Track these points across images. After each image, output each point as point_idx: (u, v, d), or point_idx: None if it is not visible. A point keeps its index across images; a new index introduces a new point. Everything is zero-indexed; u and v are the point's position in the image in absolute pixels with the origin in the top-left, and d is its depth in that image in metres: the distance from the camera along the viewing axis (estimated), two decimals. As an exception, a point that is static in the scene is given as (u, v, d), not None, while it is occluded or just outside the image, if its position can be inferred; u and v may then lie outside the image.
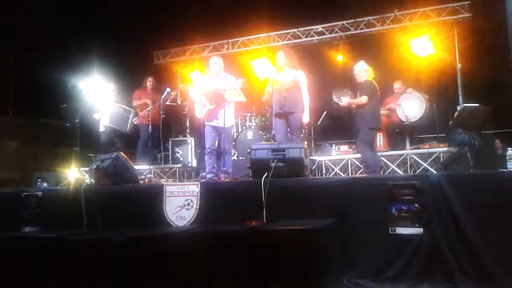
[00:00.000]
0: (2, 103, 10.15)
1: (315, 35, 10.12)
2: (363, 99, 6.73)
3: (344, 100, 7.08)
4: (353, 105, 6.91)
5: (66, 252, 4.61)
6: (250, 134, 8.83)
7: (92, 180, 6.31)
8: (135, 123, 8.42)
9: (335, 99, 7.30)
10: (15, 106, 10.28)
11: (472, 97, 7.99)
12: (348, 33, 9.81)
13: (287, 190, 4.99)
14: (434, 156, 7.40)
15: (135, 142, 8.74)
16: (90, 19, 9.54)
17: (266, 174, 5.01)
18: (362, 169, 7.40)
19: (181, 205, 5.33)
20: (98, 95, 8.25)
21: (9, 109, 10.34)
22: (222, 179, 6.52)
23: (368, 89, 6.80)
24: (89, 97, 8.24)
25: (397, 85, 8.64)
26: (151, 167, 8.23)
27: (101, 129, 8.14)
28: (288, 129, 6.75)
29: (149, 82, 9.10)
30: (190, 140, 9.31)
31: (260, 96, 7.30)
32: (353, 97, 7.08)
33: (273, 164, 5.17)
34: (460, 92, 8.73)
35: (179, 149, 9.31)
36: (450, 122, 6.98)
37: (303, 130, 8.55)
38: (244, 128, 9.16)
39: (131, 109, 8.34)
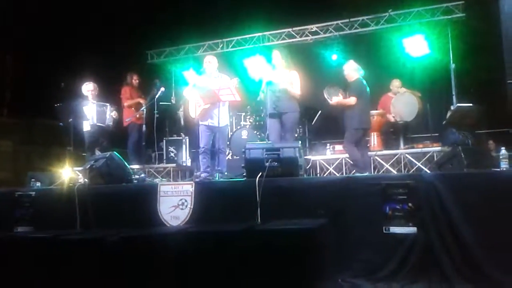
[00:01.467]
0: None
1: (309, 35, 10.13)
2: (352, 100, 6.77)
3: (334, 99, 7.11)
4: (343, 105, 6.94)
5: (59, 252, 4.59)
6: (244, 134, 8.83)
7: (86, 180, 6.29)
8: (114, 117, 8.35)
9: (326, 96, 7.32)
10: (10, 106, 10.24)
11: (466, 97, 8.02)
12: (343, 32, 9.83)
13: (281, 189, 4.98)
14: (427, 155, 7.43)
15: (124, 141, 8.70)
16: (84, 19, 9.51)
17: (260, 173, 4.99)
18: (351, 169, 7.41)
19: (175, 204, 5.31)
20: (83, 94, 8.24)
21: (4, 109, 10.30)
22: (217, 179, 6.51)
23: (356, 90, 6.83)
24: (82, 97, 8.22)
25: (396, 83, 8.64)
26: (145, 166, 8.21)
27: (86, 128, 8.09)
28: (282, 129, 6.77)
29: (135, 80, 9.05)
30: (185, 140, 9.30)
31: (255, 95, 7.31)
32: (344, 97, 7.10)
33: (267, 164, 5.16)
34: (453, 92, 8.77)
35: (173, 148, 9.29)
36: (444, 122, 7.00)
37: (297, 130, 8.57)
38: (238, 127, 9.15)
39: (107, 104, 8.26)
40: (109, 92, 8.86)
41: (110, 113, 8.18)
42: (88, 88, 8.25)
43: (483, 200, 4.29)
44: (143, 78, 9.32)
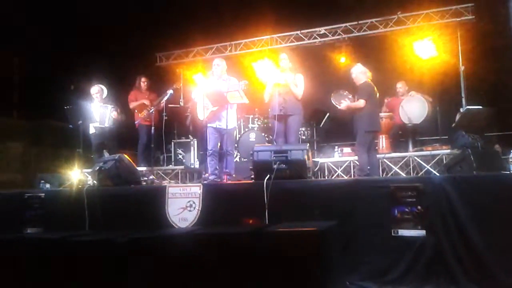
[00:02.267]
0: (6, 105, 10.19)
1: (318, 37, 10.11)
2: (361, 103, 6.74)
3: (342, 104, 7.09)
4: (352, 109, 6.93)
5: (68, 253, 4.61)
6: (252, 136, 8.84)
7: (95, 182, 6.32)
8: (114, 118, 8.36)
9: (334, 102, 7.30)
10: (19, 108, 10.32)
11: (475, 100, 7.98)
12: (351, 35, 9.79)
13: (289, 192, 4.98)
14: (437, 158, 7.40)
15: (135, 143, 8.74)
16: (93, 21, 9.56)
17: (268, 176, 5.00)
18: (356, 173, 7.38)
19: (183, 206, 5.33)
20: (90, 97, 8.28)
21: (13, 111, 10.38)
22: (225, 181, 6.52)
23: (365, 93, 6.80)
24: (91, 99, 8.27)
25: (399, 85, 8.64)
26: (154, 168, 8.22)
27: (91, 130, 8.14)
28: (287, 131, 6.79)
29: (143, 82, 9.07)
30: (193, 142, 9.32)
31: (263, 98, 7.32)
32: (352, 100, 7.08)
33: (275, 166, 5.17)
34: (463, 95, 8.71)
35: (181, 150, 9.31)
36: (453, 125, 6.97)
37: (306, 132, 8.57)
38: (246, 130, 9.16)
39: (107, 105, 8.25)
40: (119, 94, 8.89)
41: (110, 114, 8.20)
42: (94, 90, 8.29)
43: (492, 203, 4.27)
44: (152, 80, 9.35)
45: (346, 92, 7.31)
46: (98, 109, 8.12)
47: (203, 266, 4.20)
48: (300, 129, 7.72)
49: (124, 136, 8.60)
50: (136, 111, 8.74)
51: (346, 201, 4.77)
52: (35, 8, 9.29)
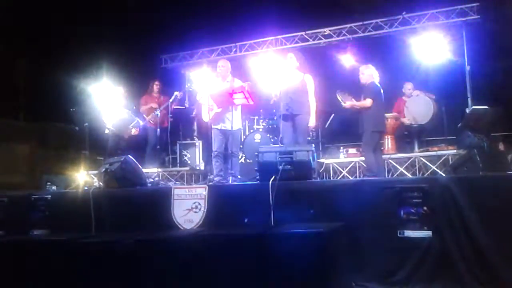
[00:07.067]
0: (13, 108, 10.23)
1: (322, 38, 10.10)
2: (368, 102, 6.74)
3: (347, 102, 7.07)
4: (357, 108, 6.91)
5: (74, 255, 4.63)
6: (257, 137, 8.84)
7: (101, 183, 6.34)
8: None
9: (340, 98, 7.27)
10: (26, 111, 10.36)
11: (481, 100, 7.93)
12: (356, 35, 9.78)
13: (294, 193, 4.97)
14: (443, 158, 7.37)
15: (144, 145, 8.76)
16: (98, 24, 9.59)
17: (273, 177, 4.99)
18: (364, 173, 7.36)
19: (189, 208, 5.33)
20: (107, 98, 8.26)
21: (20, 114, 10.42)
22: (230, 182, 6.52)
23: (372, 92, 6.80)
24: (98, 100, 8.27)
25: (408, 86, 8.61)
26: (159, 170, 8.24)
27: (106, 131, 8.14)
28: (294, 132, 6.77)
29: (156, 85, 9.18)
30: (198, 143, 9.33)
31: (268, 99, 7.32)
32: (357, 100, 7.06)
33: (280, 167, 5.15)
34: (469, 95, 8.67)
35: (187, 152, 9.34)
36: (459, 125, 6.93)
37: (311, 133, 8.55)
38: (251, 131, 9.17)
39: (136, 118, 8.22)
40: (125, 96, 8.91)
41: (132, 127, 8.20)
42: (119, 92, 8.32)
43: (499, 203, 4.25)
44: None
45: (351, 97, 7.28)
46: (119, 113, 8.10)
47: (209, 267, 4.21)
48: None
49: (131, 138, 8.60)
50: (144, 115, 8.79)
51: (351, 202, 4.75)
52: (40, 10, 9.32)
